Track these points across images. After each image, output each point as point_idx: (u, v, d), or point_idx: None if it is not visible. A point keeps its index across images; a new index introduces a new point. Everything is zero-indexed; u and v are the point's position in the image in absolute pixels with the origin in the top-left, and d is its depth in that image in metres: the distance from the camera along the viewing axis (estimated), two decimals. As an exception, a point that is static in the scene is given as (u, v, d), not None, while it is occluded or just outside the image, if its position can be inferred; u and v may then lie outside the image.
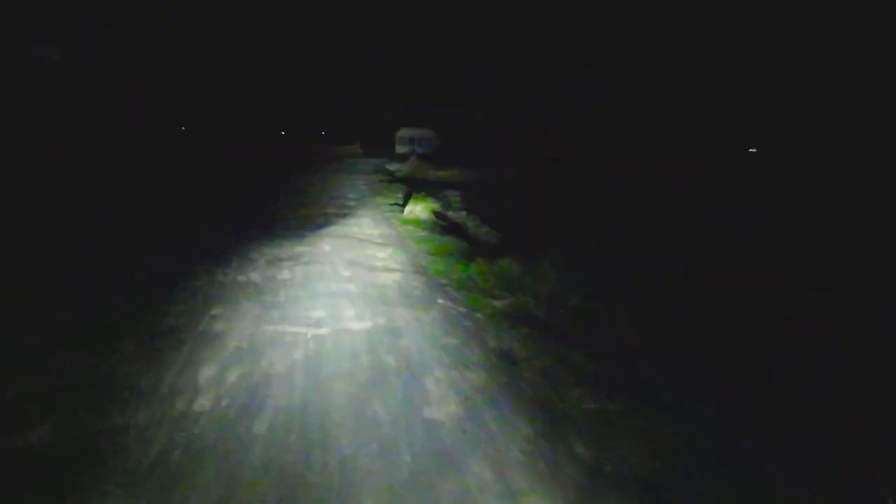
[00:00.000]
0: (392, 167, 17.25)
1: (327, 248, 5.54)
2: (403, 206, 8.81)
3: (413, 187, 11.81)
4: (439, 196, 9.74)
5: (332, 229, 6.58)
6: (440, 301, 4.03)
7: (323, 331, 3.37)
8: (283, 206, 8.67)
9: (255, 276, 4.47)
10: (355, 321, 3.55)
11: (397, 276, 4.63)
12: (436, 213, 7.94)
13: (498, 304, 4.05)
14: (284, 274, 4.52)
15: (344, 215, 7.77)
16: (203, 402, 2.48)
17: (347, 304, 3.84)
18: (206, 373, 2.76)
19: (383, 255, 5.33)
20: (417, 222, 7.44)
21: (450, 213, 8.11)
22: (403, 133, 28.10)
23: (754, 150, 13.86)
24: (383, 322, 3.54)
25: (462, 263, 5.16)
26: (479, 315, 3.79)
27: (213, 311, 3.65)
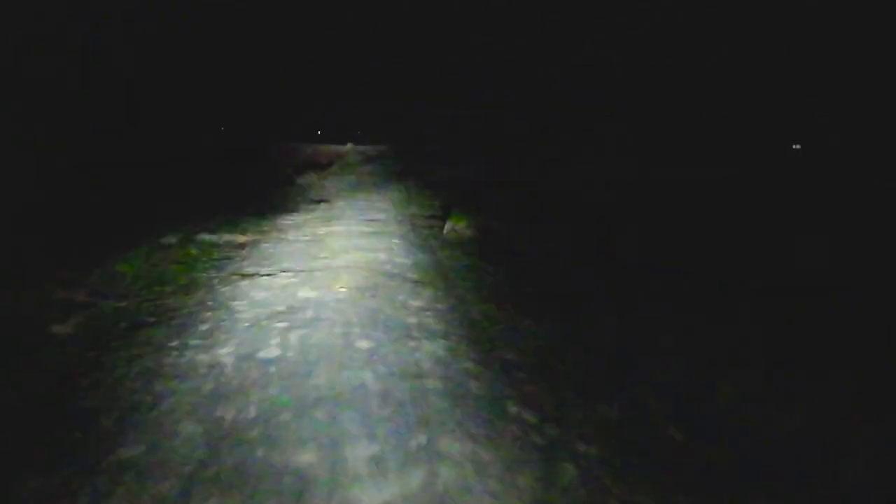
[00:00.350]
0: (425, 168, 16.29)
1: (343, 290, 3.93)
2: (442, 218, 7.48)
3: (451, 190, 10.29)
4: (474, 200, 8.85)
5: (352, 257, 4.94)
6: (512, 409, 2.43)
7: None
8: (295, 220, 7.06)
9: (225, 352, 2.85)
10: (369, 480, 1.90)
11: (441, 347, 3.04)
12: (479, 229, 6.75)
13: (609, 411, 2.56)
14: (270, 349, 2.93)
15: (371, 234, 6.07)
16: None
17: (359, 429, 2.19)
18: None
19: (420, 304, 3.74)
20: (460, 243, 6.05)
21: (496, 228, 6.96)
22: (433, 131, 27.94)
23: (798, 146, 13.86)
24: (419, 481, 1.90)
25: (531, 318, 3.71)
26: (587, 449, 2.23)
27: (119, 455, 2.00)
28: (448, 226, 6.75)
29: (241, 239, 5.82)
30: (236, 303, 3.65)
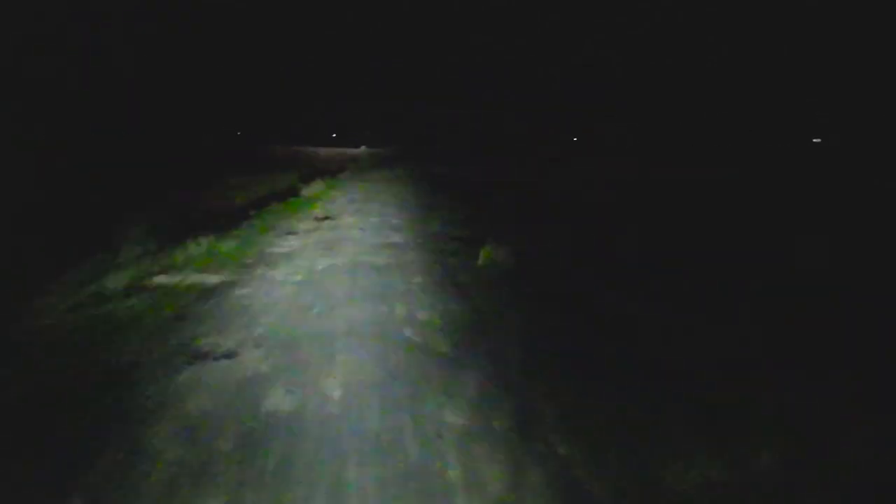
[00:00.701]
0: (441, 170, 15.54)
1: (337, 394, 2.47)
2: (466, 241, 6.18)
3: (475, 191, 9.55)
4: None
5: (357, 312, 3.58)
6: None
7: None
8: (290, 246, 5.76)
9: None
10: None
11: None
12: (519, 258, 5.36)
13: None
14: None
15: (383, 268, 4.82)
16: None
17: None
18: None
19: (463, 422, 2.28)
20: (500, 279, 4.71)
21: (539, 257, 5.68)
22: (433, 132, 28.11)
23: (818, 139, 14.09)
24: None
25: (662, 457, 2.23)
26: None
27: None
28: (482, 255, 5.38)
29: (213, 280, 4.27)
30: (155, 431, 2.15)
